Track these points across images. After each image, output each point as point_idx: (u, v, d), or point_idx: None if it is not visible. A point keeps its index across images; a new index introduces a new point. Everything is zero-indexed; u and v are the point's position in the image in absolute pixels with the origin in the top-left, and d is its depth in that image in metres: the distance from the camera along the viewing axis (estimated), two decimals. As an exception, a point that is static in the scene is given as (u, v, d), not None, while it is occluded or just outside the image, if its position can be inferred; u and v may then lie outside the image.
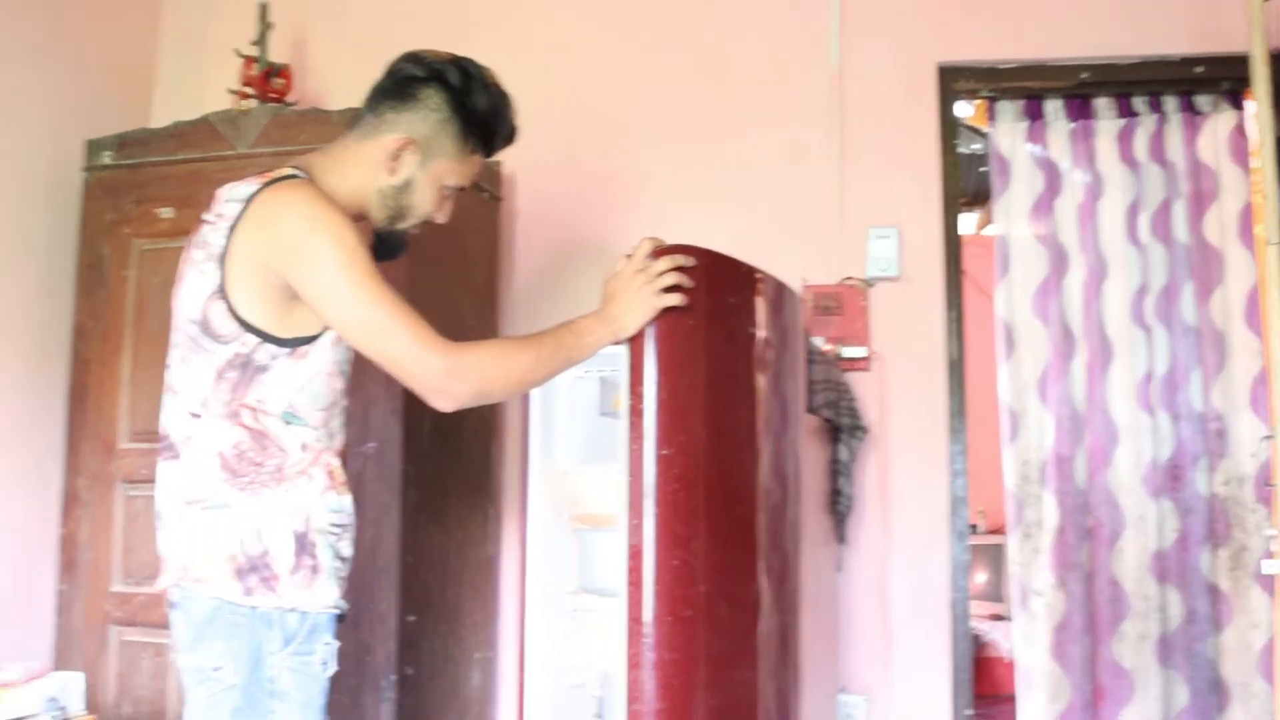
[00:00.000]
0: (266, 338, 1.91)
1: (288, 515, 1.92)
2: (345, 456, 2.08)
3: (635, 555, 2.21)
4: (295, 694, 1.90)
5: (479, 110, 2.08)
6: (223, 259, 1.91)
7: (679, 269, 2.19)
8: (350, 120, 2.12)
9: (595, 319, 2.12)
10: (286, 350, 1.92)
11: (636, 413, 2.24)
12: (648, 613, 2.19)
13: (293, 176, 1.98)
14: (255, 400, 1.91)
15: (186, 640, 1.94)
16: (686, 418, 2.26)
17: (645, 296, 2.15)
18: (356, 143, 2.07)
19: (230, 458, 1.91)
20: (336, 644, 1.97)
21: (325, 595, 1.95)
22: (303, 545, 1.92)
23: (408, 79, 2.07)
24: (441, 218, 2.15)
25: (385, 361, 1.94)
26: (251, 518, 1.91)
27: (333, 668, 1.96)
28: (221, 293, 1.91)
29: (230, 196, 1.97)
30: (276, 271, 1.90)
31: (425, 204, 2.10)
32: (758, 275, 2.47)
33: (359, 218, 2.06)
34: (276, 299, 1.91)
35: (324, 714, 1.96)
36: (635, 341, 2.21)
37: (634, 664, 2.19)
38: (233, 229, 1.92)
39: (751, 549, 2.40)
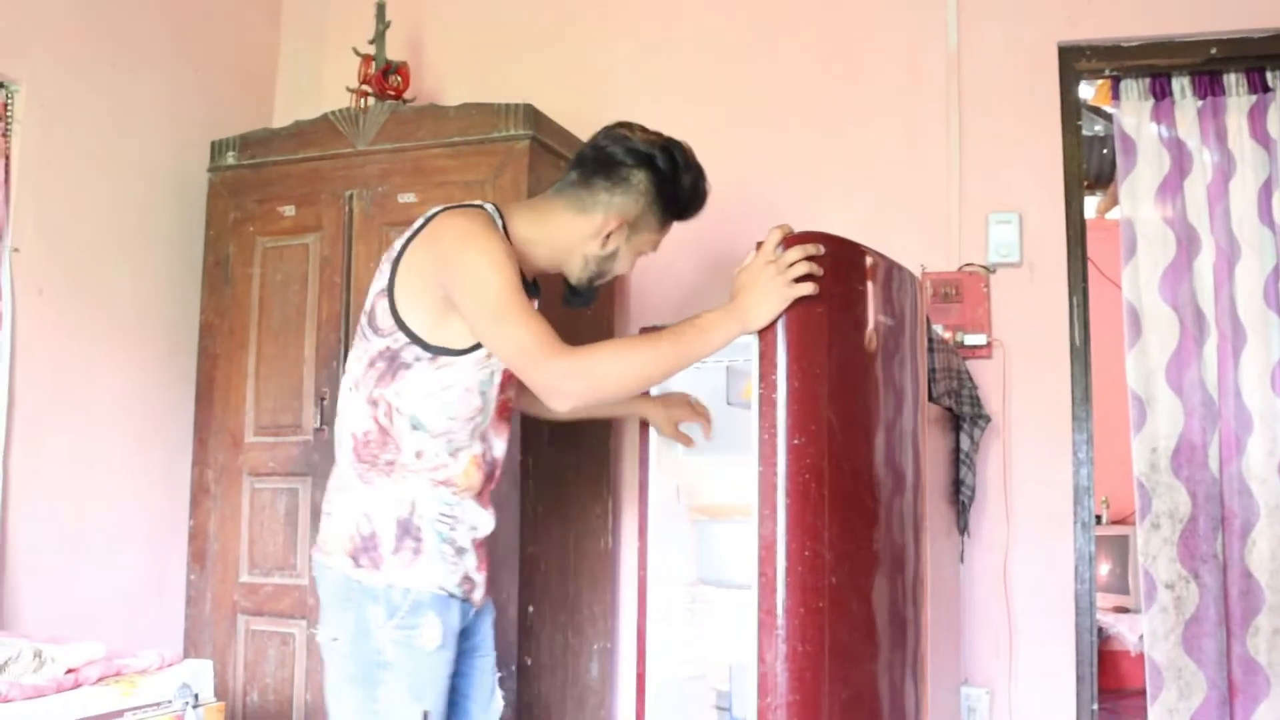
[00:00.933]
0: (414, 339, 2.06)
1: (394, 503, 2.07)
2: (485, 465, 2.17)
3: (767, 546, 2.18)
4: (400, 665, 2.04)
5: (683, 192, 2.23)
6: (396, 262, 2.09)
7: (811, 258, 2.15)
8: (556, 185, 2.26)
9: (724, 313, 2.11)
10: (429, 355, 2.06)
11: (768, 402, 2.21)
12: (780, 604, 2.16)
13: (478, 206, 2.17)
14: (393, 393, 2.07)
15: (320, 613, 2.13)
16: (817, 407, 2.23)
17: (777, 288, 2.12)
18: (566, 211, 2.20)
19: (360, 442, 2.10)
20: (439, 622, 2.07)
21: (428, 576, 2.07)
22: (405, 529, 2.07)
23: (617, 159, 2.19)
24: (627, 271, 2.31)
25: (510, 363, 2.05)
26: (365, 502, 2.09)
27: (436, 643, 2.06)
28: (389, 291, 2.08)
29: (424, 214, 2.14)
30: (439, 283, 2.04)
31: (624, 268, 2.28)
32: (884, 262, 2.44)
33: (551, 272, 2.26)
34: (433, 308, 2.05)
35: (435, 687, 2.07)
36: (765, 330, 2.18)
37: (765, 656, 2.17)
38: (410, 239, 2.11)
39: (880, 541, 2.37)
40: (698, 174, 2.25)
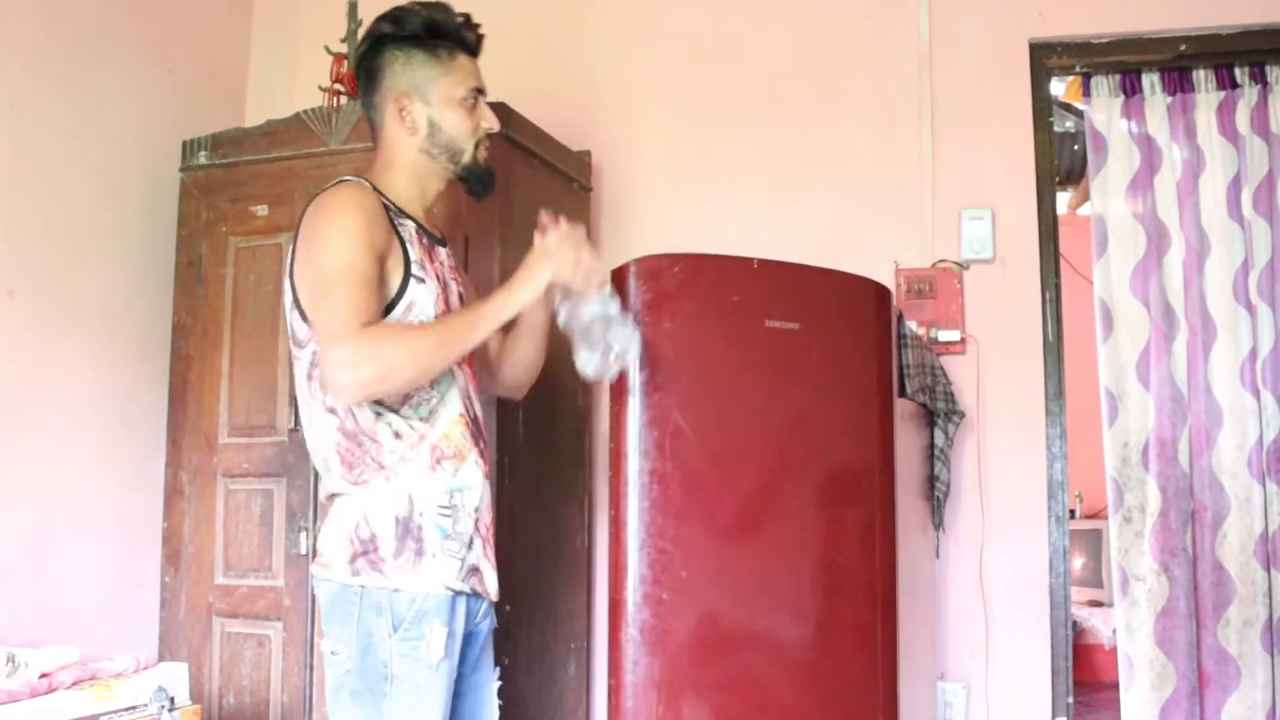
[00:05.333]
0: None
1: (390, 502, 2.02)
2: (470, 425, 2.14)
3: (616, 542, 2.43)
4: (405, 678, 1.99)
5: (419, 29, 2.16)
6: (291, 273, 2.07)
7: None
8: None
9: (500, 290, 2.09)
10: None
11: (618, 413, 2.41)
12: (628, 593, 2.39)
13: (345, 181, 2.11)
14: None
15: (321, 625, 2.08)
16: (665, 414, 2.42)
17: (533, 269, 2.09)
18: (380, 140, 2.20)
19: (344, 452, 2.04)
20: (444, 632, 2.02)
21: (432, 576, 2.02)
22: (406, 529, 2.02)
23: (363, 69, 2.19)
24: (489, 124, 2.21)
25: (317, 335, 1.99)
26: (361, 506, 2.03)
27: (440, 655, 2.00)
28: (295, 303, 2.05)
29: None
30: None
31: (459, 128, 2.18)
32: (779, 269, 2.54)
33: (437, 196, 2.24)
34: None
35: (439, 699, 2.02)
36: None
37: (615, 641, 2.38)
38: (295, 238, 2.08)
39: (756, 535, 2.50)
40: (425, 8, 2.19)
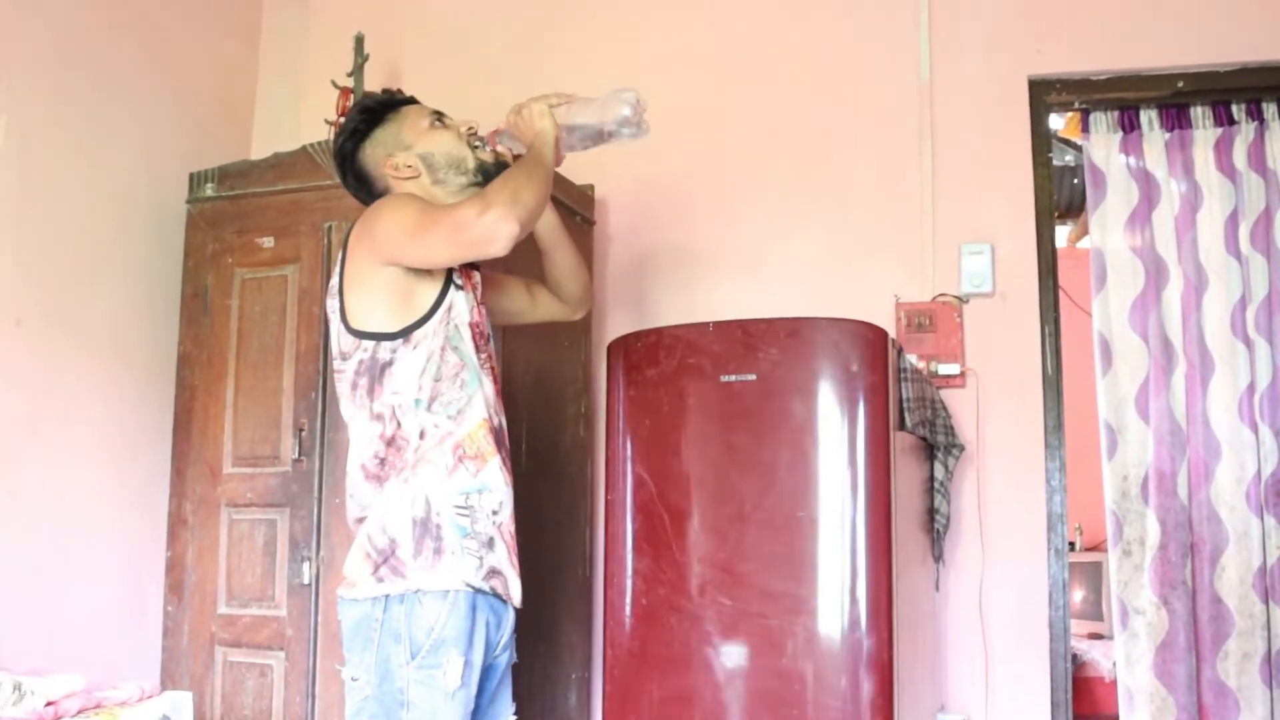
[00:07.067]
0: (381, 337, 2.11)
1: (407, 504, 2.08)
2: (493, 431, 2.18)
3: (604, 575, 2.89)
4: (422, 705, 2.02)
5: (359, 120, 2.32)
6: (341, 289, 2.17)
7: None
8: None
9: (531, 148, 2.25)
10: (401, 340, 2.11)
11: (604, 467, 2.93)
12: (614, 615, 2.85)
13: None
14: (391, 393, 2.11)
15: (344, 651, 2.13)
16: (627, 466, 2.89)
17: (534, 112, 2.26)
18: (394, 200, 2.25)
19: (372, 467, 2.13)
20: (462, 660, 2.04)
21: (452, 574, 2.06)
22: (424, 529, 2.06)
23: (351, 181, 2.35)
24: (466, 124, 2.33)
25: (451, 252, 2.10)
26: (379, 514, 2.09)
27: (457, 684, 2.03)
28: (342, 318, 2.16)
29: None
30: (379, 252, 2.11)
31: (445, 143, 2.30)
32: (736, 328, 2.82)
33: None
34: (391, 293, 2.12)
35: None
36: (610, 406, 2.95)
37: (607, 653, 2.81)
38: (343, 258, 2.18)
39: (717, 566, 2.74)
40: (357, 106, 2.38)
